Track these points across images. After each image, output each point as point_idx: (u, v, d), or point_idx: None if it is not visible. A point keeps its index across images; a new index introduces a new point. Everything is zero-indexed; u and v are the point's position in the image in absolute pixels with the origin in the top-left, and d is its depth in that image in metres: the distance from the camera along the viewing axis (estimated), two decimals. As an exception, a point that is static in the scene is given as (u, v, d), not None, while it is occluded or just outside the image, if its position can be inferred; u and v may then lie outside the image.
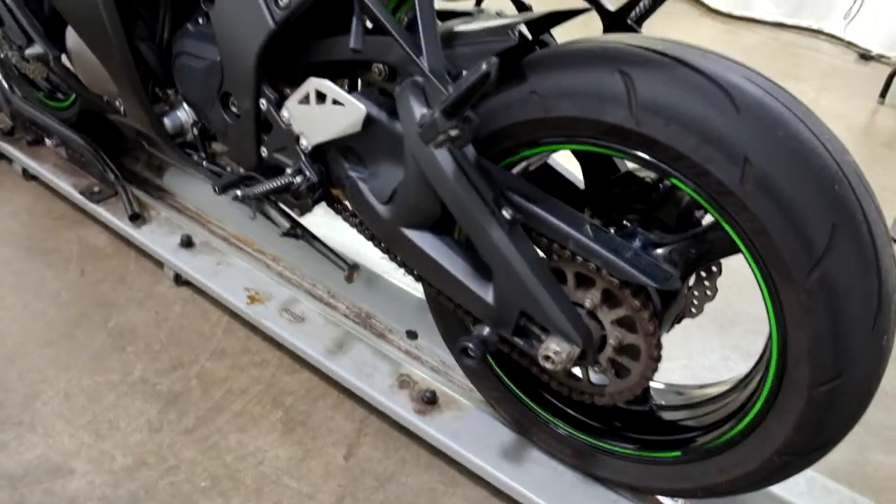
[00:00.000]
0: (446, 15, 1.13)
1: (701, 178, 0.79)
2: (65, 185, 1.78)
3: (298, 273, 1.59)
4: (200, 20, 1.17)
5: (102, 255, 1.67)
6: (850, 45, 3.88)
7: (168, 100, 1.27)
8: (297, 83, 1.10)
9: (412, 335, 1.45)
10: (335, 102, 0.99)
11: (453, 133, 0.78)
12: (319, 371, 1.37)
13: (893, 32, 3.71)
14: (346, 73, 1.07)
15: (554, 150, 0.95)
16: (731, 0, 4.18)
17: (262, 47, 1.03)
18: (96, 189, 1.74)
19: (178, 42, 1.19)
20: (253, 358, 1.43)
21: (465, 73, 0.78)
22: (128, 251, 1.68)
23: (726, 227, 0.82)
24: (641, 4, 1.06)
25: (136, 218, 1.64)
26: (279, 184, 1.07)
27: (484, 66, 0.73)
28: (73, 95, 1.75)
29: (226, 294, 1.47)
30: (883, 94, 3.18)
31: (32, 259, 1.63)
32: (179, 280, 1.59)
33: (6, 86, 1.90)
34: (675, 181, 0.83)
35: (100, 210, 1.69)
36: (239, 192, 1.13)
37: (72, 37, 1.27)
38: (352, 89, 1.07)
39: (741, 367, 1.56)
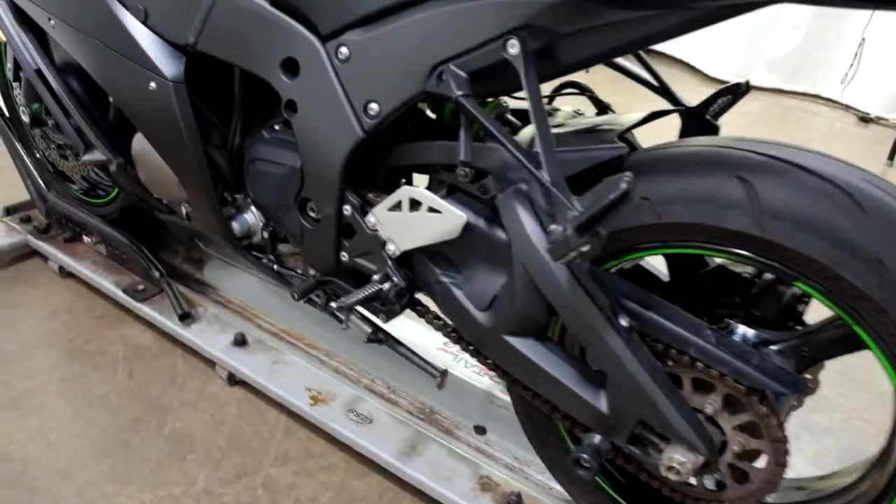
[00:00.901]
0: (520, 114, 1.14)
1: (832, 282, 0.78)
2: (106, 283, 1.74)
3: (354, 368, 1.55)
4: (276, 126, 1.16)
5: (149, 354, 1.63)
6: (848, 108, 3.99)
7: (235, 203, 1.26)
8: (378, 186, 1.10)
9: (481, 430, 1.41)
10: (431, 210, 0.98)
11: (584, 249, 0.77)
12: (390, 474, 1.32)
13: (890, 95, 3.82)
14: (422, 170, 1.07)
15: (660, 254, 0.94)
16: (728, 67, 4.30)
17: (348, 156, 1.02)
18: (140, 287, 1.71)
19: (251, 148, 1.18)
20: (318, 462, 1.38)
21: (596, 188, 0.77)
22: (174, 349, 1.64)
23: (858, 329, 0.80)
24: (720, 101, 1.08)
25: (186, 317, 1.60)
26: (369, 293, 1.05)
27: (623, 185, 0.72)
28: (114, 192, 1.73)
29: (287, 395, 1.43)
30: (891, 157, 3.25)
31: (78, 362, 1.59)
32: (233, 379, 1.54)
33: (41, 183, 1.88)
34: (800, 285, 0.82)
35: (145, 309, 1.66)
36: (333, 305, 1.11)
37: (139, 144, 1.26)
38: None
39: (816, 447, 1.55)
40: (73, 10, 1.14)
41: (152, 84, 1.10)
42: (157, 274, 1.68)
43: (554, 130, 0.95)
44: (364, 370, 1.54)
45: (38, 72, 1.35)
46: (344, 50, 0.98)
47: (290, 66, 1.04)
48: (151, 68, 1.09)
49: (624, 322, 0.87)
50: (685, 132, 1.09)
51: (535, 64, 0.84)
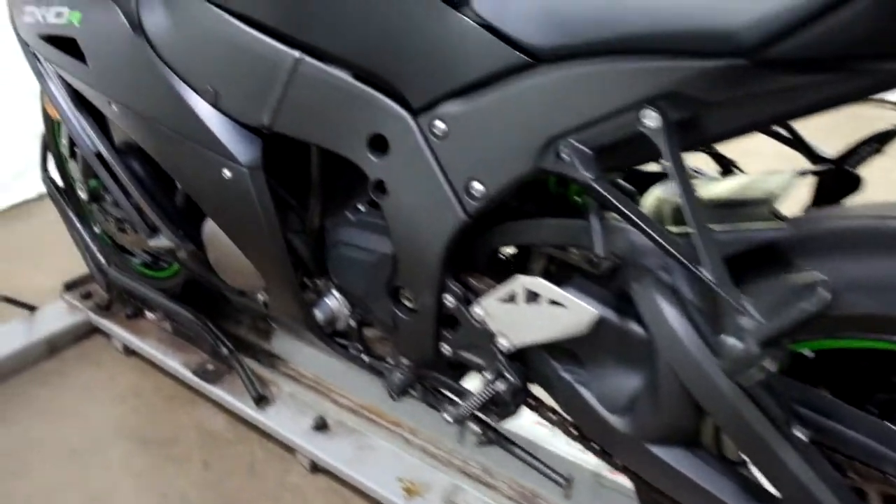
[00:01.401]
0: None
1: None
2: (173, 362, 1.66)
3: (443, 447, 1.43)
4: (362, 207, 1.05)
5: (224, 441, 1.53)
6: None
7: (316, 288, 1.15)
8: (479, 269, 0.98)
9: (589, 516, 1.27)
10: (553, 303, 0.85)
11: (768, 365, 0.64)
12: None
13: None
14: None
15: (826, 347, 0.80)
16: None
17: (449, 242, 0.91)
18: (210, 367, 1.62)
19: (334, 231, 1.07)
20: (417, 561, 1.26)
21: (777, 289, 0.64)
22: (250, 434, 1.54)
23: None
24: (864, 149, 0.94)
25: (261, 400, 1.50)
26: (484, 398, 0.93)
27: (821, 291, 0.59)
28: (177, 265, 1.65)
29: (378, 487, 1.31)
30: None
31: (151, 453, 1.49)
32: (315, 467, 1.43)
33: (100, 256, 1.81)
34: None
35: (217, 391, 1.56)
36: (448, 417, 0.99)
37: (210, 231, 1.17)
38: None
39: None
40: (137, 95, 1.05)
41: (226, 172, 1.00)
42: (226, 351, 1.59)
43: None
44: (454, 450, 1.41)
45: (98, 154, 1.27)
46: (440, 124, 0.87)
47: (378, 144, 0.93)
48: (225, 155, 0.99)
49: (800, 434, 0.74)
50: (823, 186, 0.95)
51: (677, 136, 0.71)
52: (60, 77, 1.21)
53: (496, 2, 0.83)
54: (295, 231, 1.08)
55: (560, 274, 0.91)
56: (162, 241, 1.28)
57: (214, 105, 0.99)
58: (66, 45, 1.15)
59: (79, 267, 1.90)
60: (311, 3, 0.89)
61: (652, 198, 0.89)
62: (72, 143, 1.57)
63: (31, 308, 1.85)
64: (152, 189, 1.24)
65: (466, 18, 0.84)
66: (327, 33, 0.90)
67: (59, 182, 1.81)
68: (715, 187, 0.88)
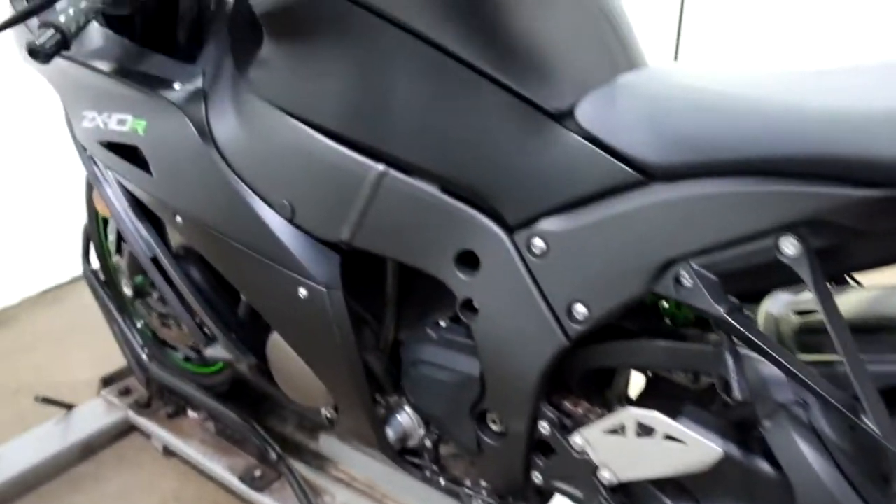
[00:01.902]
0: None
1: None
2: (217, 467, 1.57)
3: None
4: (442, 323, 0.99)
5: (274, 556, 1.43)
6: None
7: (388, 404, 1.08)
8: (574, 390, 0.91)
9: None
10: (670, 437, 0.78)
11: None
12: None
13: None
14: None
15: None
16: None
17: (546, 365, 0.84)
18: (257, 473, 1.53)
19: (411, 348, 1.01)
20: None
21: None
22: (302, 547, 1.44)
23: None
24: None
25: (315, 512, 1.41)
26: None
27: None
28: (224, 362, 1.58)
29: None
30: None
31: (196, 571, 1.40)
32: (375, 588, 1.33)
33: (140, 351, 1.75)
34: None
35: (265, 500, 1.47)
36: None
37: (276, 345, 1.10)
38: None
39: None
40: (205, 207, 1.01)
41: (302, 290, 0.94)
42: (274, 456, 1.50)
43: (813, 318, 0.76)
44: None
45: (154, 259, 1.22)
46: (538, 242, 0.82)
47: (468, 261, 0.87)
48: (301, 273, 0.93)
49: None
50: None
51: (819, 266, 0.65)
52: (118, 182, 1.17)
53: (603, 114, 0.79)
54: (368, 347, 1.01)
55: (665, 397, 0.84)
56: (219, 352, 1.21)
57: (290, 220, 0.94)
58: (126, 151, 1.11)
59: (116, 357, 1.84)
60: (398, 115, 0.85)
61: (765, 316, 0.82)
62: (119, 240, 1.53)
63: (69, 406, 1.78)
64: (212, 298, 1.18)
65: (570, 132, 0.79)
66: (415, 146, 0.85)
67: (100, 273, 1.76)
68: (843, 302, 0.81)
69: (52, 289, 2.55)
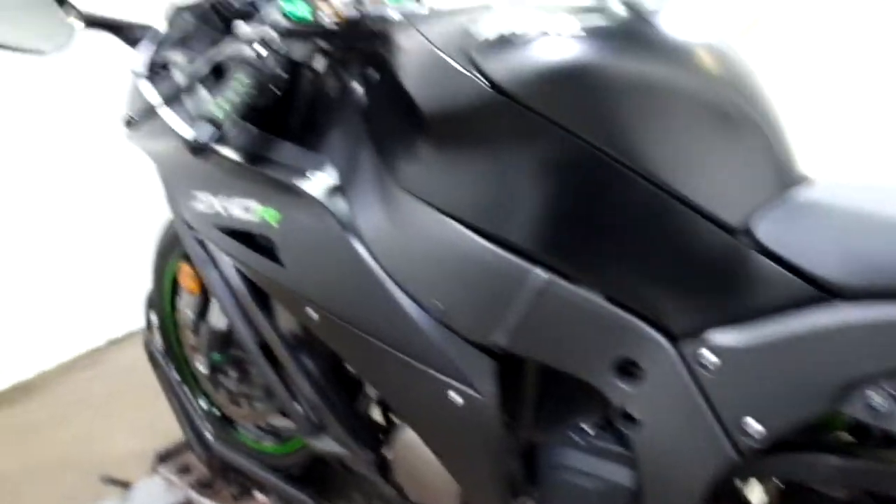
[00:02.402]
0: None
1: None
2: (290, 552, 1.52)
3: None
4: (590, 430, 0.96)
5: None
6: None
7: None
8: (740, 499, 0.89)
9: None
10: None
11: None
12: None
13: None
14: None
15: None
16: None
17: (713, 480, 0.82)
18: (334, 560, 1.48)
19: (553, 453, 0.98)
20: None
21: None
22: None
23: None
24: None
25: None
26: None
27: None
28: (298, 442, 1.53)
29: None
30: None
31: None
32: None
33: (201, 427, 1.70)
34: None
35: None
36: None
37: (407, 442, 1.07)
38: None
39: None
40: (347, 303, 0.99)
41: (453, 395, 0.92)
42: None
43: None
44: None
45: (263, 345, 1.19)
46: (709, 355, 0.81)
47: (628, 370, 0.86)
48: (452, 376, 0.91)
49: None
50: None
51: None
52: (230, 264, 1.15)
53: (782, 231, 0.79)
54: (506, 449, 0.99)
55: None
56: (328, 444, 1.18)
57: (440, 321, 0.92)
58: (243, 235, 1.10)
59: (160, 426, 1.81)
60: (567, 223, 0.84)
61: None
62: (199, 316, 1.50)
63: (125, 485, 1.72)
64: (327, 389, 1.16)
65: (746, 246, 0.80)
66: (582, 254, 0.85)
67: (159, 341, 1.72)
68: None
69: (87, 353, 2.50)
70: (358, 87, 1.05)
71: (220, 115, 0.89)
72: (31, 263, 2.28)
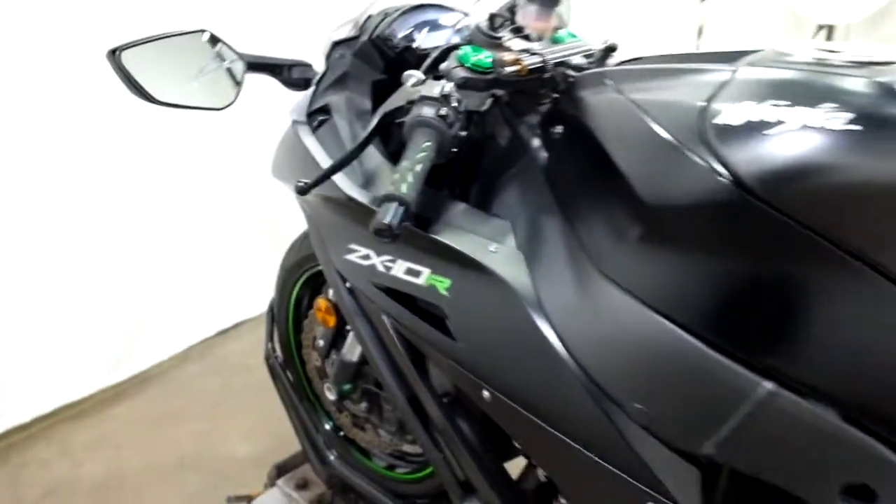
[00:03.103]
0: None
1: None
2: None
3: None
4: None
5: None
6: None
7: None
8: None
9: None
10: None
11: None
12: None
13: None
14: None
15: None
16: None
17: None
18: None
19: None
20: None
21: None
22: None
23: None
24: None
25: None
26: None
27: None
28: (427, 469, 1.48)
29: None
30: None
31: None
32: None
33: (322, 444, 1.67)
34: None
35: None
36: None
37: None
38: None
39: None
40: (529, 390, 0.90)
41: None
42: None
43: None
44: None
45: (412, 399, 1.13)
46: None
47: (860, 494, 0.75)
48: (651, 486, 0.81)
49: None
50: None
51: None
52: (387, 322, 1.08)
53: None
54: None
55: None
56: (475, 504, 1.11)
57: (641, 424, 0.83)
58: (403, 296, 1.03)
59: (275, 424, 1.83)
60: (805, 334, 0.73)
61: None
62: (331, 346, 1.46)
63: (249, 499, 1.72)
64: (480, 454, 1.08)
65: None
66: (819, 370, 0.73)
67: (279, 355, 1.69)
68: None
69: (199, 343, 2.52)
70: (538, 143, 0.95)
71: (405, 191, 0.80)
72: (141, 257, 2.29)
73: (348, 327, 1.30)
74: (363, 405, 1.47)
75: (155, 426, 2.10)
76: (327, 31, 1.13)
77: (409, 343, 1.08)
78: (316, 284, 1.54)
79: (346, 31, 1.13)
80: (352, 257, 1.07)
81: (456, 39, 1.14)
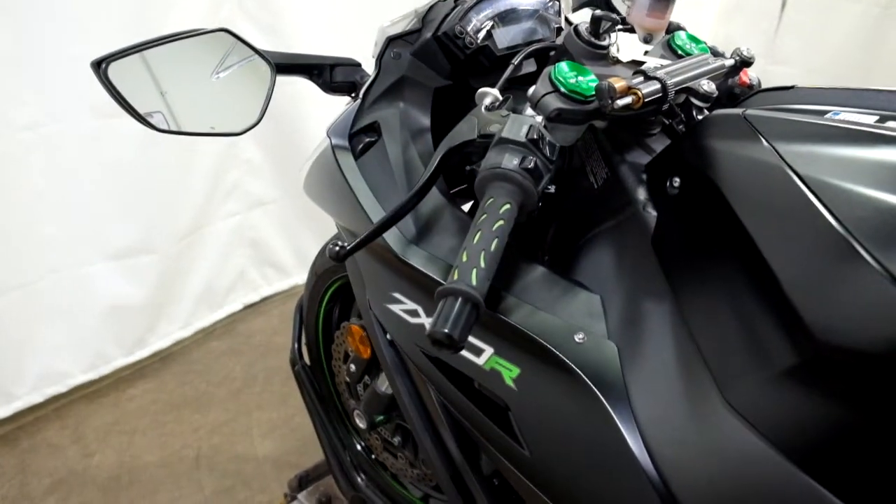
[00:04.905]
0: None
1: None
2: None
3: None
4: None
5: None
6: None
7: None
8: None
9: None
10: None
11: None
12: None
13: None
14: None
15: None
16: None
17: None
18: None
19: None
20: None
21: None
22: None
23: None
24: None
25: None
26: None
27: None
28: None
29: None
30: None
31: None
32: None
33: (349, 462, 1.53)
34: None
35: None
36: None
37: None
38: None
39: None
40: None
41: None
42: None
43: None
44: None
45: (456, 477, 0.96)
46: None
47: None
48: None
49: None
50: None
51: None
52: (434, 395, 0.90)
53: None
54: None
55: None
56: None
57: None
58: (455, 373, 0.83)
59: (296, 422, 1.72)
60: None
61: None
62: (362, 375, 1.29)
63: (267, 514, 1.59)
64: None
65: None
66: None
67: (311, 377, 1.52)
68: None
69: (224, 319, 2.38)
70: (644, 193, 0.73)
71: (475, 283, 0.60)
72: (164, 223, 2.12)
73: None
74: (397, 438, 1.30)
75: (172, 413, 1.97)
76: (381, 25, 0.91)
77: (453, 417, 0.90)
78: (348, 296, 1.36)
79: (404, 25, 0.91)
80: (395, 308, 0.88)
81: (539, 34, 0.92)
